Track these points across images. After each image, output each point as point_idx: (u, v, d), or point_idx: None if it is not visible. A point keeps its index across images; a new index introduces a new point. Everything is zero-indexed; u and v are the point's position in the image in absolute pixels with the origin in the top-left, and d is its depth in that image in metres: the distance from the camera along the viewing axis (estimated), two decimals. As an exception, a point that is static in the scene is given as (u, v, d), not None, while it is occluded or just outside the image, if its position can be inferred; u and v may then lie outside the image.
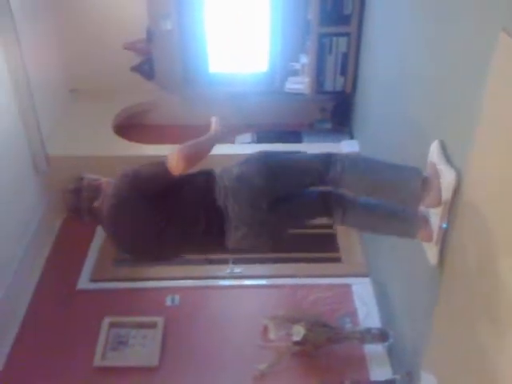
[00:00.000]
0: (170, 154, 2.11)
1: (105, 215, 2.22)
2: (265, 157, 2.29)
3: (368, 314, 3.22)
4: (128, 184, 2.18)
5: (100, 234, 3.77)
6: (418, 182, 2.12)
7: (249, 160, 2.27)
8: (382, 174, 2.21)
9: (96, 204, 2.24)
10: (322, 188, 2.33)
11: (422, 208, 2.27)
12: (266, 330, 3.04)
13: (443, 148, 2.15)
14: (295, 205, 2.33)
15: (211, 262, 3.59)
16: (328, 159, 2.24)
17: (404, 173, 2.20)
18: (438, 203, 2.11)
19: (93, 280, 3.53)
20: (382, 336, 2.94)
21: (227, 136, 2.38)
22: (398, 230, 2.35)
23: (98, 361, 3.02)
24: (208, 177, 2.26)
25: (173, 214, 2.20)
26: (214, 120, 2.32)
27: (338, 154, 2.29)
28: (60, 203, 3.65)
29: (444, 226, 2.13)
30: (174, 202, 2.21)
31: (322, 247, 3.66)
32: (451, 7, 2.13)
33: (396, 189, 2.19)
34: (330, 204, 2.32)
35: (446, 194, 2.06)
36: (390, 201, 2.30)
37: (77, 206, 2.28)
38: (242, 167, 2.23)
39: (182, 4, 4.23)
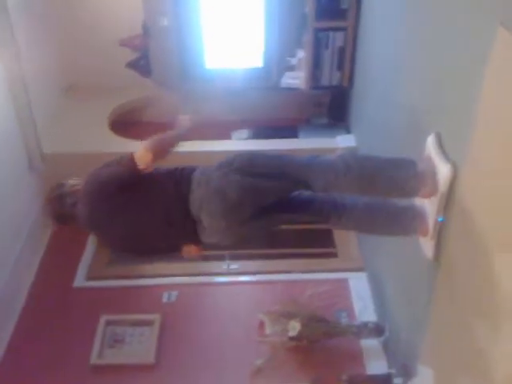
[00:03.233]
0: (139, 150, 2.15)
1: (80, 217, 2.25)
2: (248, 166, 2.16)
3: (364, 309, 3.22)
4: (91, 189, 2.20)
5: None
6: (416, 179, 2.11)
7: (229, 172, 2.14)
8: (378, 174, 2.17)
9: (77, 210, 2.26)
10: (309, 194, 2.27)
11: (417, 202, 2.27)
12: (262, 325, 3.04)
13: (439, 141, 2.14)
14: (279, 217, 2.26)
15: (207, 258, 3.58)
16: (313, 173, 2.16)
17: (400, 169, 2.17)
18: (434, 194, 2.09)
19: (89, 278, 3.52)
20: (378, 330, 2.94)
21: (195, 132, 2.32)
22: (397, 230, 2.34)
23: (94, 359, 3.01)
24: (183, 182, 2.19)
25: (145, 213, 2.19)
26: (182, 118, 2.33)
27: (327, 162, 2.20)
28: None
29: (440, 219, 2.12)
30: (147, 202, 2.19)
31: (318, 242, 3.65)
32: (449, 0, 2.11)
33: (394, 187, 2.17)
34: (323, 211, 2.27)
35: (442, 187, 2.05)
36: (387, 197, 2.29)
37: (61, 213, 2.30)
38: (221, 180, 2.13)
39: (178, 0, 4.21)
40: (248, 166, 2.18)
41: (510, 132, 1.60)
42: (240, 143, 4.12)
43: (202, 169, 2.22)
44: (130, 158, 2.14)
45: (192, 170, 2.24)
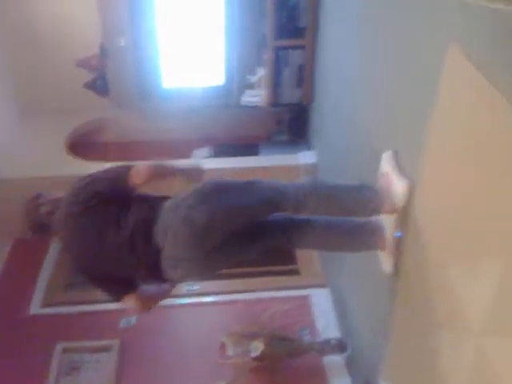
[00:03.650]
0: (138, 165, 2.13)
1: (59, 223, 2.18)
2: (216, 191, 2.13)
3: (327, 325, 3.20)
4: (84, 186, 2.15)
5: (50, 258, 3.69)
6: (377, 198, 2.13)
7: (197, 202, 2.09)
8: (344, 195, 2.20)
9: (54, 217, 2.20)
10: (270, 219, 2.27)
11: (375, 218, 2.27)
12: (223, 347, 2.98)
13: (395, 158, 2.17)
14: (245, 244, 2.21)
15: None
16: (283, 194, 2.15)
17: (362, 190, 2.21)
18: (393, 211, 2.11)
19: (45, 305, 3.42)
20: (340, 346, 2.93)
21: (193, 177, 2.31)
22: (358, 245, 2.34)
23: (50, 388, 2.92)
24: (154, 205, 2.15)
25: (115, 230, 2.12)
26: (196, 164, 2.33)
27: (295, 184, 2.22)
28: (9, 227, 3.58)
29: (398, 234, 2.13)
30: (118, 219, 2.12)
31: (280, 260, 3.61)
32: (402, 20, 2.15)
33: (358, 206, 2.19)
34: (285, 231, 2.26)
35: (399, 203, 2.06)
36: (351, 216, 2.30)
37: (37, 223, 2.25)
38: (189, 208, 2.07)
39: (135, 20, 4.20)
40: (217, 191, 2.13)
41: (461, 148, 1.63)
42: (201, 162, 4.07)
43: (174, 197, 2.17)
44: (125, 170, 2.13)
45: (166, 198, 2.19)
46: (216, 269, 2.28)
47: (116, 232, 2.11)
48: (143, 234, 2.09)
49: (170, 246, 2.06)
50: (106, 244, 2.12)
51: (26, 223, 2.28)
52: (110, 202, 2.14)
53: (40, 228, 2.26)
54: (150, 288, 2.29)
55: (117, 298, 2.24)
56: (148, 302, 2.26)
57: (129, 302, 2.22)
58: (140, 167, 2.13)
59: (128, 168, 2.15)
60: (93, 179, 2.18)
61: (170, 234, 2.05)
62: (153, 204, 2.15)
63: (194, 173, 2.29)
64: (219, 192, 2.12)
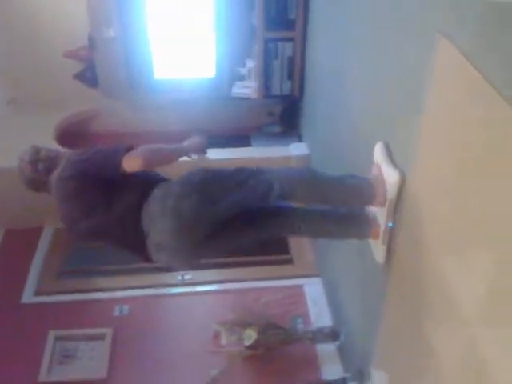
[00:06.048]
0: (132, 152, 2.06)
1: (53, 186, 2.17)
2: (209, 180, 2.13)
3: (319, 314, 3.25)
4: (76, 169, 2.13)
5: (43, 247, 3.68)
6: (371, 191, 2.16)
7: (189, 192, 2.07)
8: (333, 187, 2.21)
9: (52, 175, 2.18)
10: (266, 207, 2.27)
11: (368, 207, 2.31)
12: (217, 335, 3.01)
13: (387, 149, 2.19)
14: (234, 233, 2.20)
15: (160, 269, 3.52)
16: (271, 186, 2.14)
17: (356, 179, 2.23)
18: (385, 201, 2.14)
19: (37, 293, 3.42)
20: (333, 335, 2.97)
21: (199, 152, 2.34)
22: (351, 234, 2.36)
23: (43, 376, 2.93)
24: (147, 190, 2.12)
25: (109, 207, 2.11)
26: (194, 137, 2.35)
27: (284, 172, 2.22)
28: (1, 215, 3.57)
29: (390, 224, 2.16)
30: (114, 197, 2.12)
31: (274, 249, 3.64)
32: (392, 11, 2.17)
33: (351, 198, 2.22)
34: (279, 221, 2.26)
35: (391, 194, 2.09)
36: (347, 205, 2.32)
37: (33, 178, 2.23)
38: (179, 199, 2.05)
39: (124, 11, 4.16)
40: (205, 181, 2.13)
41: (452, 138, 1.65)
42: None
43: (162, 184, 2.14)
44: (120, 158, 2.06)
45: (158, 181, 2.16)
46: (204, 256, 2.28)
47: (105, 210, 2.10)
48: (132, 218, 2.09)
49: (156, 233, 2.06)
50: (94, 220, 2.12)
51: (21, 178, 2.26)
52: (100, 181, 2.11)
53: (35, 185, 2.24)
54: None
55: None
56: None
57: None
58: (133, 157, 2.05)
59: (126, 150, 2.08)
60: (87, 157, 2.14)
61: (156, 223, 2.05)
62: (146, 188, 2.11)
63: (196, 148, 2.33)
64: (208, 183, 2.12)
